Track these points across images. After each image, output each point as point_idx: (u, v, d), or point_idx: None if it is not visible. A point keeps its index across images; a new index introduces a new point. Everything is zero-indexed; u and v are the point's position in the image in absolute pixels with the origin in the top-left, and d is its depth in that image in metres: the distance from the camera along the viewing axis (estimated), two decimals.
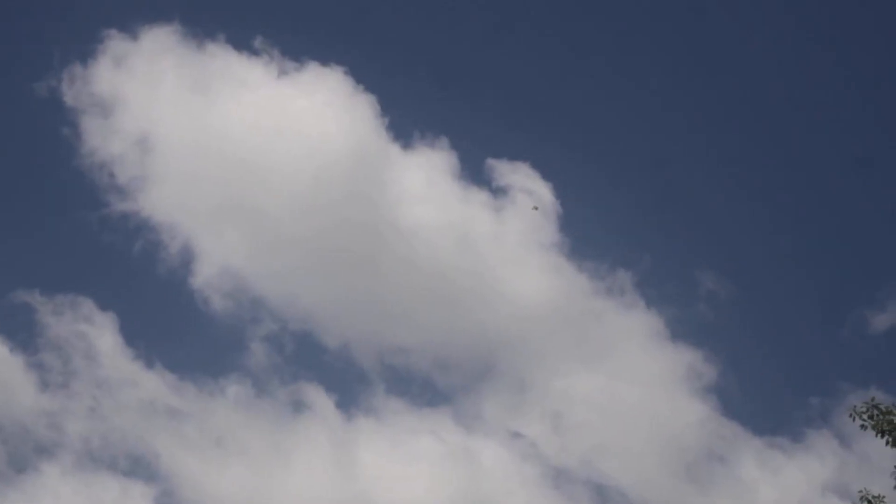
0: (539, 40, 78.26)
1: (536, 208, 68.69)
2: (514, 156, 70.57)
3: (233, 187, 68.88)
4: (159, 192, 67.69)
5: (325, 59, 70.59)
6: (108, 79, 69.00)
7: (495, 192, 69.94)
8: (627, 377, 66.49)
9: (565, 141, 73.68)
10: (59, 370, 62.26)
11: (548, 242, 69.17)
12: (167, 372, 63.00)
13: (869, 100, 75.94)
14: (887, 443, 28.72)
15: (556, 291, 68.57)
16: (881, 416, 28.78)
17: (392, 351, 65.84)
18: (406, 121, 71.56)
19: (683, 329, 67.15)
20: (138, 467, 60.38)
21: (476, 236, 69.65)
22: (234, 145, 68.87)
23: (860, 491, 28.98)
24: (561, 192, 69.93)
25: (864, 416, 28.96)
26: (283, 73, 70.91)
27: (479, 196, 69.98)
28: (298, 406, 63.94)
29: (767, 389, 68.21)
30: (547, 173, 69.83)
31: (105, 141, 67.91)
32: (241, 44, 70.41)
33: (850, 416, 29.13)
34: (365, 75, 70.46)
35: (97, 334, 63.39)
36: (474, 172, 70.52)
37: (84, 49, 69.30)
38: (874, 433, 28.84)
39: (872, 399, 29.04)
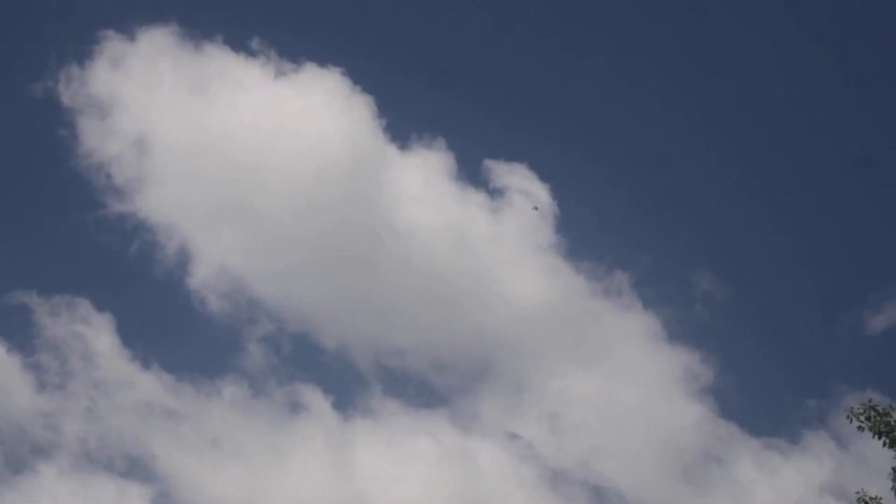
0: (536, 41, 78.43)
1: (536, 208, 68.77)
2: (511, 157, 70.69)
3: (230, 188, 68.95)
4: (156, 193, 67.76)
5: (322, 60, 70.70)
6: (105, 79, 69.06)
7: (492, 193, 70.07)
8: (625, 378, 66.58)
9: (562, 142, 73.81)
10: (56, 371, 62.29)
11: (545, 243, 69.26)
12: (164, 373, 63.08)
13: (869, 100, 76.15)
14: (884, 444, 28.72)
15: (554, 292, 68.65)
16: (878, 418, 28.77)
17: (389, 352, 65.92)
18: (403, 121, 71.70)
19: (680, 330, 67.27)
20: (135, 468, 60.45)
21: (473, 237, 69.74)
22: (231, 146, 68.94)
23: (857, 492, 28.98)
24: (558, 193, 70.07)
25: (861, 418, 28.95)
26: (280, 73, 71.01)
27: (477, 197, 70.08)
28: (295, 407, 64.02)
29: (764, 390, 68.30)
30: (544, 174, 69.97)
31: (102, 142, 67.95)
32: (239, 45, 70.51)
33: (847, 417, 29.14)
34: (362, 76, 70.63)
35: (94, 335, 63.42)
36: (471, 173, 70.64)
37: (81, 50, 69.38)
38: (871, 434, 28.85)
39: (869, 400, 29.05)
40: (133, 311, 67.01)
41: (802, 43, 77.09)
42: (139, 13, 70.50)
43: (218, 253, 67.06)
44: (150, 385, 62.59)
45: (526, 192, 69.41)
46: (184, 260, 66.29)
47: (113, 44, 69.34)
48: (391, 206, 69.13)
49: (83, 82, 68.31)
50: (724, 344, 68.31)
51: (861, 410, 28.99)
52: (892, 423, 28.65)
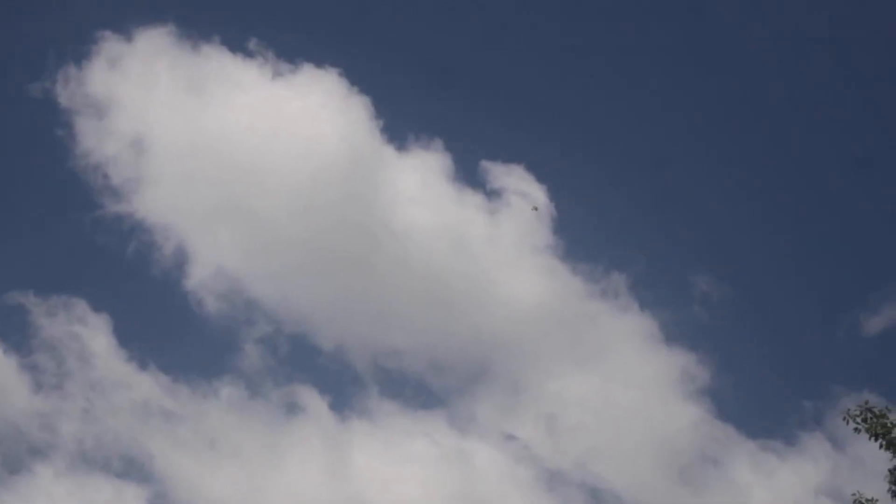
0: (534, 43, 78.44)
1: (536, 209, 68.79)
2: (508, 158, 70.72)
3: (227, 189, 68.92)
4: (153, 194, 67.74)
5: (319, 61, 70.70)
6: (103, 80, 69.05)
7: (489, 195, 70.09)
8: (621, 380, 66.59)
9: (560, 143, 73.86)
10: (53, 371, 62.27)
11: (542, 245, 69.27)
12: (161, 373, 63.07)
13: (868, 102, 76.19)
14: (881, 446, 28.75)
15: (551, 294, 68.68)
16: (875, 420, 28.81)
17: (386, 353, 65.91)
18: (401, 123, 71.71)
19: (677, 332, 67.30)
20: (132, 469, 60.43)
21: (470, 238, 69.75)
22: (229, 147, 68.93)
23: (854, 494, 29.04)
24: (555, 194, 70.09)
25: (858, 420, 29.00)
26: (277, 74, 70.99)
27: (474, 198, 70.10)
28: (292, 408, 64.02)
29: (761, 392, 68.34)
30: (541, 176, 69.99)
31: (99, 142, 67.96)
32: (236, 45, 70.52)
33: (844, 419, 29.17)
34: (359, 77, 70.62)
35: (91, 336, 63.40)
36: (469, 175, 70.67)
37: (78, 50, 69.37)
38: (868, 436, 28.88)
39: (866, 402, 29.09)
40: (130, 311, 67.14)
41: (800, 42, 77.41)
42: (136, 14, 70.65)
43: (215, 253, 67.14)
44: (146, 386, 62.66)
45: (523, 193, 69.53)
46: (181, 260, 66.39)
47: (110, 44, 69.47)
48: (388, 207, 69.23)
49: (81, 83, 68.42)
50: (720, 345, 68.49)
51: (858, 412, 29.03)
52: (889, 425, 28.69)
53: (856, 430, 29.04)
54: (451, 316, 67.78)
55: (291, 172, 69.02)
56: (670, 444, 64.15)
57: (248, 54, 70.49)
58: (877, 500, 28.74)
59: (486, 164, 70.66)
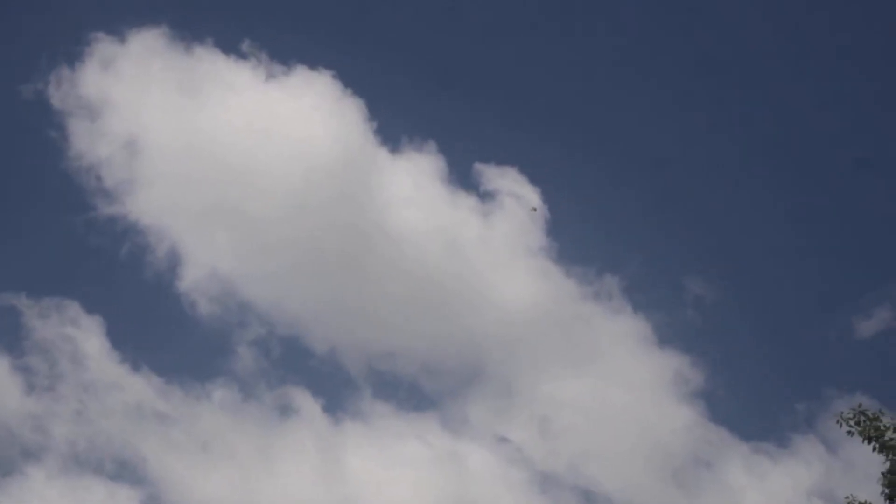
0: (528, 44, 78.47)
1: (535, 209, 68.83)
2: (502, 160, 70.72)
3: (220, 191, 68.84)
4: (146, 196, 67.63)
5: (313, 63, 70.64)
6: (96, 81, 68.88)
7: (483, 197, 70.06)
8: (615, 382, 66.58)
9: (554, 146, 73.77)
10: (45, 373, 62.11)
11: (535, 247, 69.30)
12: (154, 375, 62.95)
13: (867, 103, 76.26)
14: (874, 449, 28.78)
15: (544, 296, 68.68)
16: (868, 423, 28.84)
17: (379, 355, 65.88)
18: (394, 125, 71.63)
19: (671, 334, 67.33)
20: (125, 471, 60.29)
21: (464, 241, 69.71)
22: (222, 149, 68.82)
23: (847, 497, 29.04)
24: (549, 196, 70.10)
25: (851, 422, 29.02)
26: (270, 76, 70.92)
27: (467, 200, 70.08)
28: (285, 410, 63.97)
29: (754, 394, 68.36)
30: (535, 178, 69.98)
31: (92, 144, 67.79)
32: (229, 47, 70.40)
33: (837, 422, 29.20)
34: (353, 79, 70.56)
35: (83, 337, 63.25)
36: (462, 177, 70.65)
37: (71, 51, 69.20)
38: (861, 439, 28.90)
39: (859, 405, 29.12)
40: (123, 313, 67.00)
41: (788, 45, 77.52)
42: (130, 15, 70.37)
43: (208, 255, 67.05)
44: (139, 388, 62.54)
45: (517, 195, 69.54)
46: (174, 262, 66.30)
47: (103, 45, 69.29)
48: (382, 209, 69.17)
49: (73, 84, 68.28)
50: (714, 348, 68.47)
51: (851, 415, 29.06)
52: (882, 428, 28.72)
53: (849, 432, 29.05)
54: (444, 318, 67.87)
55: (285, 174, 69.05)
56: (663, 446, 64.25)
57: (242, 56, 70.53)
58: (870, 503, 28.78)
59: (479, 167, 70.78)
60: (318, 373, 66.03)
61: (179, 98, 70.20)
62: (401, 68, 75.06)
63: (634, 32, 78.42)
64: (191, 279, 65.93)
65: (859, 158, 74.28)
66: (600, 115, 76.52)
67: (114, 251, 67.28)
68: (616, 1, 79.05)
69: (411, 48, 76.35)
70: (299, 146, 69.52)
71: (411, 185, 70.44)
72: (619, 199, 73.79)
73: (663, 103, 77.06)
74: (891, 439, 28.62)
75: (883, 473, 28.71)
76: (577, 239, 70.82)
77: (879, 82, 74.79)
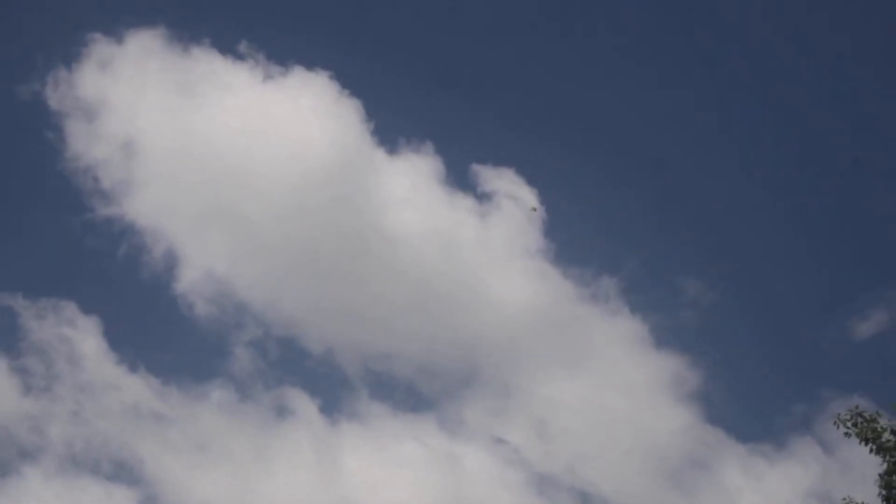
0: (526, 45, 78.53)
1: (535, 209, 68.86)
2: (499, 161, 70.78)
3: (217, 192, 68.88)
4: (143, 197, 67.68)
5: (310, 64, 70.68)
6: (93, 82, 68.92)
7: (480, 198, 70.11)
8: (612, 383, 66.65)
9: (551, 147, 73.97)
10: (42, 374, 62.14)
11: (533, 248, 69.33)
12: (151, 376, 62.99)
13: (865, 104, 76.35)
14: (871, 450, 28.78)
15: (541, 297, 68.71)
16: (865, 424, 28.85)
17: (376, 356, 65.90)
18: (391, 125, 71.70)
19: (668, 335, 67.40)
20: (122, 471, 60.34)
21: (461, 242, 69.74)
22: (219, 150, 68.88)
23: (844, 499, 29.03)
24: (546, 197, 70.16)
25: (848, 424, 29.03)
26: (268, 77, 70.95)
27: (465, 202, 70.13)
28: (282, 411, 64.00)
29: (751, 396, 68.49)
30: (532, 179, 70.05)
31: (89, 145, 67.84)
32: (227, 48, 70.48)
33: (835, 423, 29.20)
34: (350, 80, 70.60)
35: (80, 338, 63.29)
36: (459, 178, 70.71)
37: (68, 52, 69.26)
38: (858, 440, 28.92)
39: (856, 407, 29.13)
40: (120, 314, 67.12)
41: (788, 45, 77.58)
42: (127, 16, 70.54)
43: (205, 257, 67.11)
44: (136, 388, 62.57)
45: (514, 196, 69.58)
46: (171, 264, 66.34)
47: (100, 46, 69.33)
48: (379, 211, 69.20)
49: (70, 85, 68.30)
50: (711, 349, 68.59)
51: (848, 417, 29.07)
52: (879, 429, 28.73)
53: (846, 434, 29.07)
54: (441, 319, 67.88)
55: (282, 175, 69.06)
56: (660, 447, 64.28)
57: (239, 57, 70.59)
58: None
59: (476, 168, 70.81)
60: (314, 374, 66.17)
61: (176, 99, 70.32)
62: (398, 69, 75.33)
63: (634, 32, 78.66)
64: (188, 280, 66.07)
65: (851, 162, 74.54)
66: (598, 117, 76.81)
67: (111, 252, 67.49)
68: (616, 1, 79.23)
69: (409, 49, 76.60)
70: (296, 147, 69.63)
71: (408, 186, 70.56)
72: (616, 200, 74.06)
73: (661, 104, 77.38)
74: (888, 441, 28.63)
75: (880, 475, 28.72)
76: (574, 240, 71.01)
77: (879, 82, 75.03)
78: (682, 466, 63.29)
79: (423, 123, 73.19)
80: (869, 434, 28.78)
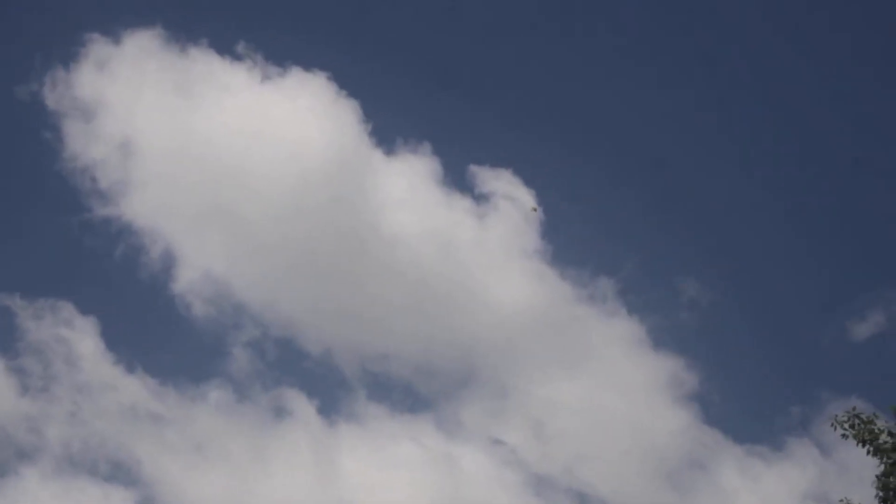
0: (525, 45, 78.52)
1: (535, 209, 68.85)
2: (496, 162, 70.78)
3: (215, 192, 68.84)
4: (141, 197, 67.64)
5: (308, 64, 70.66)
6: (91, 82, 68.90)
7: (478, 199, 70.11)
8: (609, 384, 66.64)
9: (548, 148, 73.93)
10: (40, 374, 62.12)
11: (530, 249, 69.31)
12: (148, 377, 62.96)
13: (864, 104, 76.34)
14: (868, 452, 28.80)
15: (539, 298, 68.70)
16: (862, 426, 28.87)
17: (374, 357, 65.88)
18: (389, 126, 71.68)
19: (665, 337, 67.41)
20: (119, 472, 60.32)
21: (458, 243, 69.75)
22: (217, 150, 68.86)
23: (841, 500, 29.07)
24: (543, 198, 70.19)
25: (846, 426, 29.05)
26: (265, 77, 70.92)
27: (462, 202, 70.12)
28: (280, 412, 63.98)
29: (749, 397, 68.48)
30: (530, 179, 70.06)
31: (87, 145, 67.82)
32: (224, 48, 70.48)
33: (832, 425, 29.23)
34: (348, 80, 70.60)
35: (78, 339, 63.28)
36: (457, 179, 70.71)
37: (66, 52, 69.21)
38: (855, 442, 28.93)
39: (854, 408, 29.16)
40: (117, 314, 67.09)
41: (788, 45, 77.57)
42: (124, 16, 70.49)
43: (203, 257, 67.09)
44: (134, 389, 62.54)
45: (512, 197, 69.58)
46: (168, 264, 66.31)
47: (98, 46, 69.31)
48: (376, 211, 69.19)
49: (68, 85, 68.28)
50: (708, 351, 68.66)
51: (845, 418, 29.11)
52: (876, 431, 28.76)
53: (843, 435, 29.10)
54: (438, 320, 67.87)
55: (280, 176, 69.02)
56: (658, 448, 64.27)
57: (237, 57, 70.57)
58: None
59: (474, 169, 70.79)
60: (312, 374, 66.15)
61: (174, 99, 70.29)
62: (396, 70, 75.29)
63: (634, 32, 78.65)
64: (185, 281, 66.03)
65: (850, 163, 74.55)
66: (596, 117, 76.81)
67: (108, 252, 67.45)
68: (616, 1, 79.23)
69: (406, 49, 76.58)
70: (294, 147, 69.61)
71: (406, 186, 70.55)
72: (614, 201, 74.04)
73: (660, 104, 77.35)
74: (885, 442, 28.66)
75: (877, 476, 28.75)
76: (571, 241, 71.03)
77: (879, 82, 75.03)
78: (680, 467, 63.38)
79: (420, 124, 73.28)
80: (866, 436, 28.80)
